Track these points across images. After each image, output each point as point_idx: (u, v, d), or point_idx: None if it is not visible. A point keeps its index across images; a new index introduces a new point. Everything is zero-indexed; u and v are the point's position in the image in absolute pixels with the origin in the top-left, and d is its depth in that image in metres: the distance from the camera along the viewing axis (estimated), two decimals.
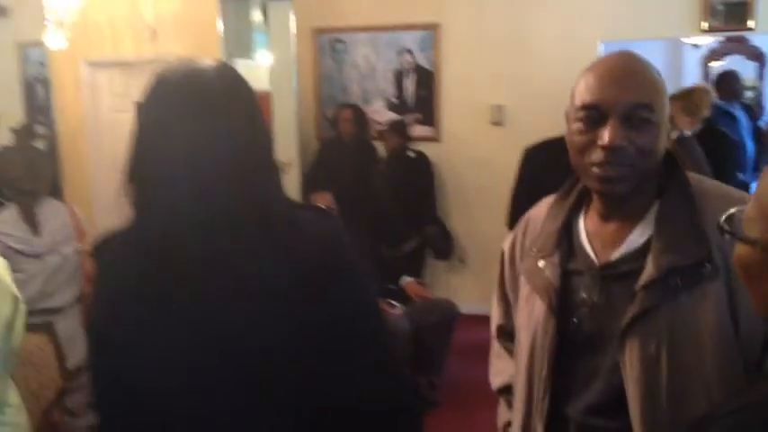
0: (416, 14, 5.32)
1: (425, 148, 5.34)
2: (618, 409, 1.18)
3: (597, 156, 1.19)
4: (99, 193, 5.83)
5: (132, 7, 5.32)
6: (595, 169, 1.20)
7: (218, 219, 1.06)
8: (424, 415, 1.32)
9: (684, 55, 6.64)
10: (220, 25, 4.60)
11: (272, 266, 1.06)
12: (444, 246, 5.18)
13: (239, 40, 5.12)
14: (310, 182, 5.10)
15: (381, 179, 5.09)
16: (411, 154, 5.21)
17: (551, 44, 5.06)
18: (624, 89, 1.18)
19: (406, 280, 4.24)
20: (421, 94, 5.43)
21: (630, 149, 1.17)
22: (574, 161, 1.25)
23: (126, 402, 1.10)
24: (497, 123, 5.30)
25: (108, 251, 1.18)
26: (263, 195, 1.11)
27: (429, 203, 5.25)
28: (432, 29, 5.29)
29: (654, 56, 6.29)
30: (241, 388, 1.05)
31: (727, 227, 0.87)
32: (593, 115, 1.19)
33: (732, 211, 0.88)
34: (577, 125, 1.22)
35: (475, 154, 5.39)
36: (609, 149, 1.16)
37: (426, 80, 5.39)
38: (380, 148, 5.33)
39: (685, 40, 5.64)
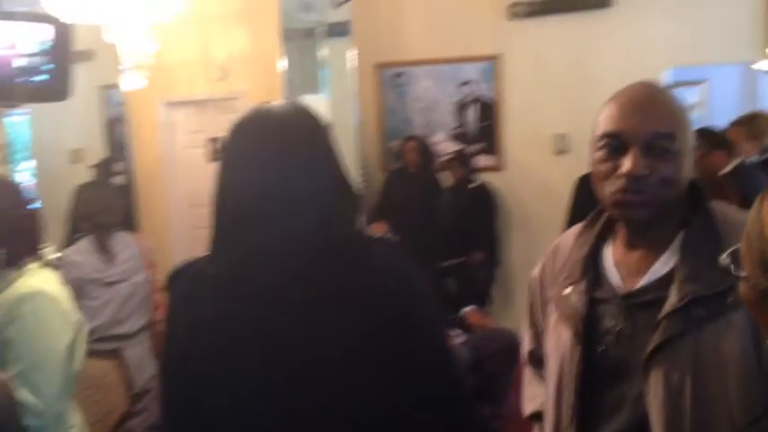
0: (476, 46, 5.38)
1: (489, 178, 5.35)
2: None
3: (619, 184, 1.20)
4: (174, 225, 6.08)
5: (204, 49, 5.59)
6: (616, 196, 1.21)
7: (294, 251, 1.12)
8: None
9: (759, 81, 6.44)
10: (283, 63, 4.77)
11: (345, 299, 1.11)
12: (482, 273, 5.12)
13: (304, 77, 5.28)
14: (376, 212, 5.19)
15: (445, 209, 5.13)
16: (474, 184, 5.23)
17: (614, 72, 5.00)
18: (646, 118, 1.19)
19: (468, 309, 4.23)
20: (483, 124, 5.47)
21: (652, 179, 1.18)
22: (596, 190, 1.26)
23: (199, 428, 1.15)
24: (561, 152, 5.27)
25: (182, 281, 1.24)
26: (338, 228, 1.17)
27: (492, 234, 5.24)
28: (492, 60, 5.34)
29: (727, 82, 6.16)
30: (313, 417, 1.10)
31: (726, 262, 0.88)
32: (615, 144, 1.21)
33: (736, 246, 0.88)
34: (599, 154, 1.24)
35: (538, 182, 5.36)
36: (630, 178, 1.17)
37: (488, 110, 5.43)
38: (444, 179, 5.38)
39: (755, 66, 5.49)
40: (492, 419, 3.91)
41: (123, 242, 3.15)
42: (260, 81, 5.30)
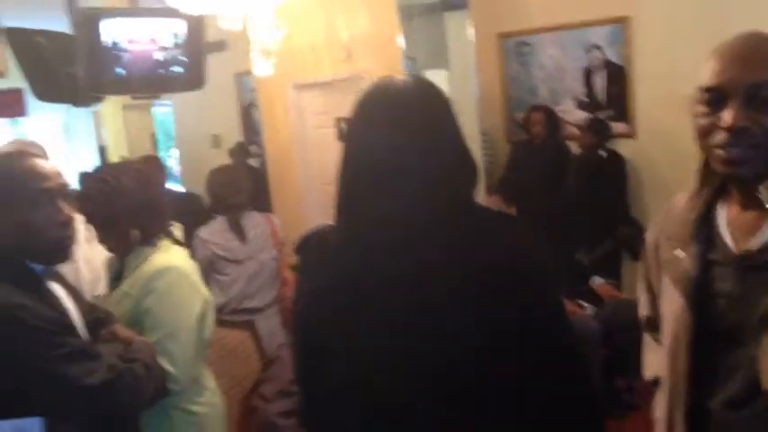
0: (604, 9, 5.16)
1: (619, 146, 5.15)
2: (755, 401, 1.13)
3: (720, 138, 1.15)
4: (307, 203, 6.33)
5: (329, 31, 5.73)
6: (719, 151, 1.16)
7: (412, 221, 1.15)
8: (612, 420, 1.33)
9: None
10: (401, 41, 4.81)
11: (463, 269, 1.13)
12: (640, 246, 4.94)
13: (427, 53, 5.30)
14: (502, 184, 5.14)
15: (573, 180, 5.00)
16: (603, 153, 5.05)
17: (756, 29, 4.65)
18: (745, 69, 1.13)
19: (597, 281, 4.13)
20: (612, 90, 5.25)
21: (756, 130, 1.12)
22: (699, 144, 1.21)
23: (329, 391, 1.21)
24: None
25: (308, 249, 1.31)
26: (456, 199, 1.19)
27: (622, 203, 5.05)
28: (621, 22, 5.10)
29: None
30: (430, 383, 1.14)
31: None
32: (715, 97, 1.16)
33: None
34: (700, 108, 1.19)
35: (674, 149, 5.09)
36: (731, 131, 1.12)
37: (617, 76, 5.20)
38: (573, 148, 5.24)
39: None
40: (625, 391, 3.82)
41: (253, 222, 3.34)
42: (382, 59, 5.37)
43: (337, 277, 1.20)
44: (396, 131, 1.20)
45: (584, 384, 1.23)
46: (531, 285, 1.16)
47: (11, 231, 1.53)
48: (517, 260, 1.16)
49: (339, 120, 6.11)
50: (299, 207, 6.21)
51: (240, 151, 6.54)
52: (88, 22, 3.28)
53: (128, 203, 1.95)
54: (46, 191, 1.55)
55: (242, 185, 3.38)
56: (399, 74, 4.90)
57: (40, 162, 1.59)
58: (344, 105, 5.30)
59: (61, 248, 1.61)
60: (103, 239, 2.00)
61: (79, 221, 1.90)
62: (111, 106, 5.90)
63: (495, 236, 1.18)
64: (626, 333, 3.79)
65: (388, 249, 1.16)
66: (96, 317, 1.78)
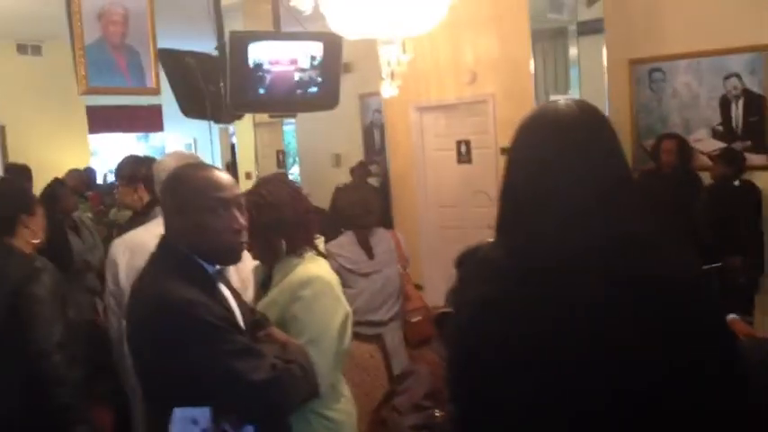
0: (744, 36, 4.94)
1: (757, 178, 4.89)
2: None
3: None
4: (423, 223, 6.39)
5: (455, 54, 5.80)
6: None
7: (582, 244, 1.15)
8: None
9: None
10: (532, 65, 4.79)
11: (636, 297, 1.12)
12: (741, 280, 4.62)
13: (553, 77, 5.25)
14: None
15: (703, 211, 4.80)
16: (737, 183, 4.82)
17: None
18: None
19: (730, 317, 3.92)
20: (750, 120, 5.01)
21: None
22: None
23: (486, 407, 1.21)
24: None
25: (469, 264, 1.32)
26: (625, 225, 1.18)
27: (743, 232, 4.78)
28: (762, 50, 4.87)
29: None
30: (595, 408, 1.11)
31: None
32: None
33: None
34: None
35: None
36: None
37: (756, 105, 4.96)
38: (705, 179, 5.03)
39: None
40: None
41: (379, 237, 3.42)
42: (508, 83, 5.38)
43: (498, 293, 1.21)
44: (564, 154, 1.21)
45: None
46: (703, 315, 1.13)
47: (189, 234, 1.64)
48: (689, 280, 1.15)
49: (459, 143, 6.16)
50: (415, 227, 6.28)
51: (361, 170, 6.70)
52: (239, 44, 3.47)
53: (278, 216, 2.05)
54: (222, 200, 1.65)
55: (373, 205, 3.47)
56: (528, 98, 4.89)
57: (218, 173, 1.71)
58: (466, 128, 5.37)
59: (233, 252, 1.71)
60: (252, 248, 2.11)
61: None
62: (243, 123, 6.19)
63: (663, 255, 1.16)
64: (758, 371, 3.60)
65: (548, 267, 1.16)
66: (256, 319, 1.87)
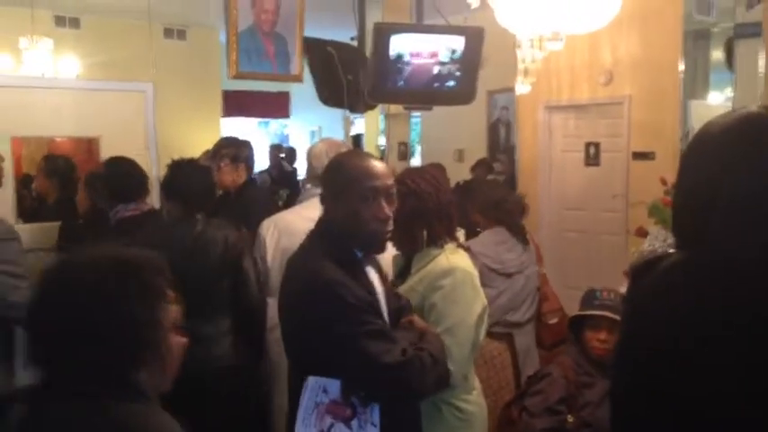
0: None
1: None
2: None
3: None
4: (544, 225, 6.28)
5: (592, 53, 5.65)
6: None
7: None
8: None
9: None
10: (681, 66, 4.59)
11: None
12: None
13: (694, 80, 5.02)
14: None
15: None
16: None
17: None
18: None
19: None
20: None
21: None
22: None
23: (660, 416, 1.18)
24: None
25: (651, 274, 1.26)
26: None
27: None
28: None
29: None
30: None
31: None
32: None
33: None
34: None
35: None
36: None
37: None
38: None
39: None
40: None
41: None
42: (648, 85, 5.18)
43: (687, 307, 1.16)
44: (749, 159, 1.15)
45: None
46: None
47: (342, 219, 1.71)
48: None
49: (588, 144, 6.00)
50: (536, 228, 6.17)
51: (482, 168, 6.65)
52: (382, 35, 3.52)
53: (420, 206, 2.07)
54: (374, 189, 1.71)
55: (514, 205, 3.44)
56: (671, 100, 4.69)
57: (374, 162, 1.75)
58: (596, 130, 5.19)
59: (379, 241, 1.76)
60: (393, 237, 2.14)
61: None
62: (373, 113, 6.28)
63: None
64: None
65: (733, 285, 1.12)
66: (399, 305, 1.89)
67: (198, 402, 2.18)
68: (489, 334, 2.92)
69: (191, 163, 2.74)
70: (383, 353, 1.62)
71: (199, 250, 2.56)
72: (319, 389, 1.67)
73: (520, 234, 3.31)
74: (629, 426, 1.25)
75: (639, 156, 5.30)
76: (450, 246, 2.13)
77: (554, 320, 3.34)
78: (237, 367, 2.58)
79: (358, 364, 1.64)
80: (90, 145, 6.10)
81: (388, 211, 1.73)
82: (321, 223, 1.80)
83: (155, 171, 5.56)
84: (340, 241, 1.73)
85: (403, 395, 1.73)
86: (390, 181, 1.76)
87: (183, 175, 2.67)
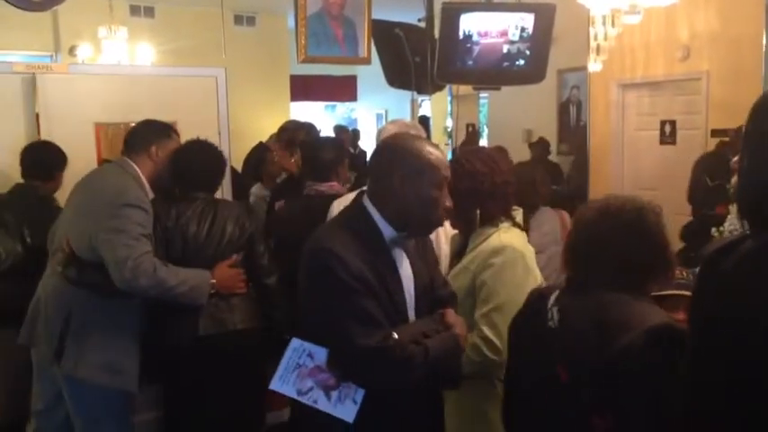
0: None
1: None
2: None
3: None
4: None
5: (667, 28, 5.45)
6: None
7: None
8: None
9: None
10: (765, 39, 4.38)
11: None
12: None
13: None
14: None
15: None
16: None
17: None
18: None
19: None
20: None
21: None
22: None
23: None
24: None
25: (727, 259, 1.21)
26: None
27: None
28: None
29: None
30: None
31: None
32: None
33: None
34: None
35: None
36: None
37: None
38: None
39: None
40: None
41: (545, 216, 3.37)
42: (728, 60, 4.98)
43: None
44: None
45: None
46: None
47: (412, 201, 1.72)
48: None
49: (664, 122, 5.82)
50: None
51: (540, 147, 6.54)
52: (451, 15, 3.50)
53: (474, 185, 2.07)
54: (447, 179, 1.76)
55: (540, 186, 3.42)
56: (753, 76, 4.49)
57: (440, 153, 1.79)
58: (672, 107, 5.01)
59: (431, 227, 1.83)
60: (449, 216, 2.16)
61: None
62: (441, 95, 6.25)
63: None
64: None
65: None
66: (440, 295, 1.87)
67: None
68: None
69: (197, 142, 2.74)
70: (362, 335, 1.61)
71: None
72: (304, 352, 1.71)
73: (524, 220, 3.31)
74: (715, 416, 1.21)
75: (719, 133, 5.10)
76: (504, 225, 2.12)
77: None
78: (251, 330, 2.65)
79: (334, 339, 1.66)
80: None
81: (448, 199, 1.78)
82: (358, 197, 1.81)
83: (226, 155, 5.69)
84: (370, 218, 1.75)
85: (370, 382, 1.69)
86: (448, 172, 1.79)
87: (187, 154, 2.66)
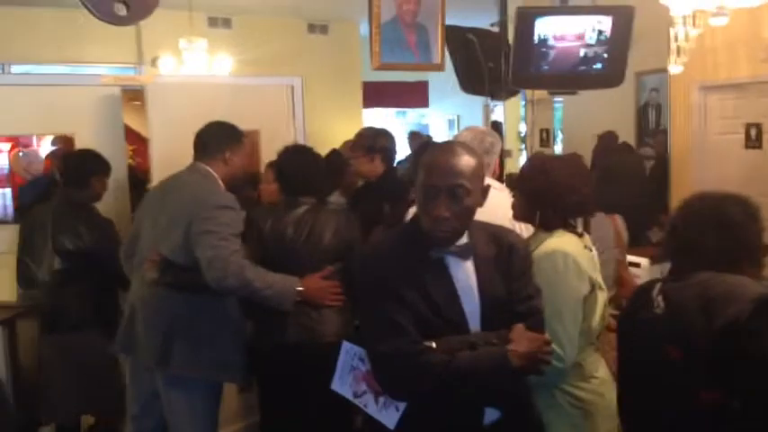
0: None
1: None
2: None
3: None
4: None
5: (751, 27, 5.24)
6: None
7: None
8: None
9: None
10: None
11: None
12: None
13: None
14: None
15: None
16: None
17: None
18: None
19: None
20: None
21: None
22: None
23: None
24: None
25: None
26: None
27: None
28: None
29: None
30: None
31: None
32: None
33: None
34: None
35: None
36: None
37: None
38: None
39: None
40: None
41: (597, 222, 3.31)
42: None
43: None
44: None
45: None
46: None
47: (419, 211, 1.73)
48: None
49: (749, 126, 5.58)
50: None
51: (608, 139, 6.39)
52: (525, 19, 3.46)
53: (533, 188, 2.10)
54: (433, 187, 1.68)
55: (588, 191, 3.36)
56: None
57: (447, 157, 1.73)
58: (758, 110, 4.81)
59: (431, 239, 1.73)
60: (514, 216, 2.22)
61: None
62: (514, 100, 6.19)
63: None
64: None
65: None
66: (518, 310, 1.77)
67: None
68: None
69: (297, 147, 2.77)
70: (380, 340, 1.66)
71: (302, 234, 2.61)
72: (355, 355, 1.78)
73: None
74: None
75: None
76: (560, 230, 2.12)
77: None
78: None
79: (365, 343, 1.76)
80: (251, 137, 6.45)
81: (443, 209, 1.67)
82: None
83: None
84: (420, 232, 1.73)
85: (385, 386, 1.71)
86: (454, 180, 1.69)
87: (289, 159, 2.71)
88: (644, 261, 3.70)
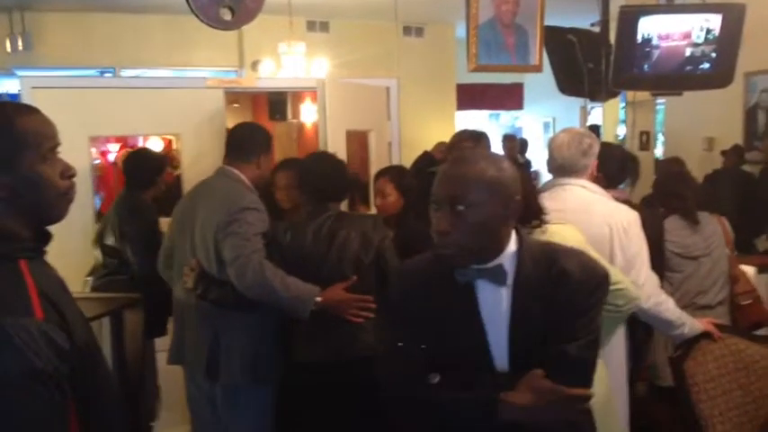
0: None
1: None
2: None
3: None
4: None
5: None
6: None
7: None
8: None
9: None
10: None
11: None
12: None
13: None
14: None
15: None
16: None
17: None
18: None
19: None
20: None
21: None
22: None
23: None
24: None
25: None
26: None
27: None
28: None
29: None
30: None
31: None
32: None
33: None
34: None
35: None
36: None
37: None
38: None
39: None
40: None
41: (705, 221, 3.21)
42: None
43: None
44: None
45: None
46: None
47: None
48: None
49: None
50: None
51: (733, 155, 6.08)
52: (629, 19, 3.38)
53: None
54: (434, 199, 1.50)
55: (690, 191, 3.26)
56: None
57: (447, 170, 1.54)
58: None
59: (439, 259, 1.56)
60: None
61: None
62: (613, 102, 6.02)
63: None
64: None
65: None
66: (549, 351, 1.45)
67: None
68: (752, 337, 2.69)
69: (323, 155, 2.71)
70: (381, 360, 1.66)
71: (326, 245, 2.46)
72: None
73: (690, 222, 3.21)
74: None
75: None
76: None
77: (747, 302, 3.28)
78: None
79: None
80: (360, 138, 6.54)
81: (442, 223, 1.46)
82: None
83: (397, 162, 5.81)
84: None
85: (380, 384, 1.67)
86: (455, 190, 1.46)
87: (314, 167, 2.59)
88: (750, 269, 3.54)
